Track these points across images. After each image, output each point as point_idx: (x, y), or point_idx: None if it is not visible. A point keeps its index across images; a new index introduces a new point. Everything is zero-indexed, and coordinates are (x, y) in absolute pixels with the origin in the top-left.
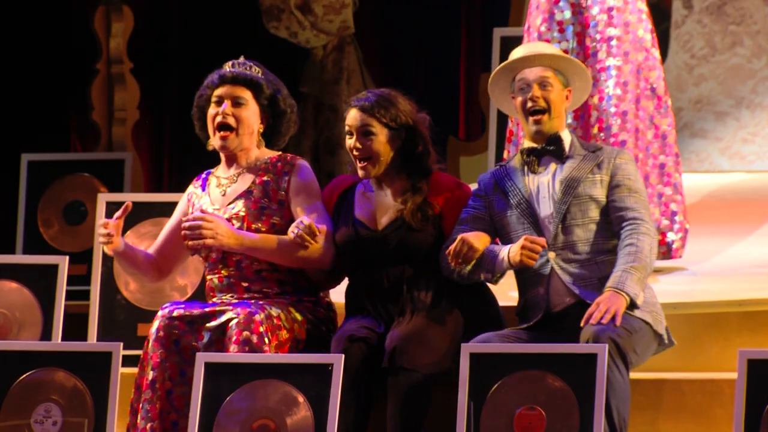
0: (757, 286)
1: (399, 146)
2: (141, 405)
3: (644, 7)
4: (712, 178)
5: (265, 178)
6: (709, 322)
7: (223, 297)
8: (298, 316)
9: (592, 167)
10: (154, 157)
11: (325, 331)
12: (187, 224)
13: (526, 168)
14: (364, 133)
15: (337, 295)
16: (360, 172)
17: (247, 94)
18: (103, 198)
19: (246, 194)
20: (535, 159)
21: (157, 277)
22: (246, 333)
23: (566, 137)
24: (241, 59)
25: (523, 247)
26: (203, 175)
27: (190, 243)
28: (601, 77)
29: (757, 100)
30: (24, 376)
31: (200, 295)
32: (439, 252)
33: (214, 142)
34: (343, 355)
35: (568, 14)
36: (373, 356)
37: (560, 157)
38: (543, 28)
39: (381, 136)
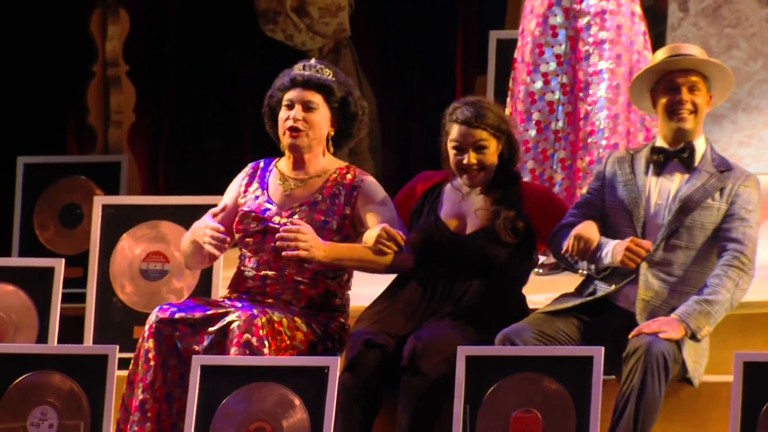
0: (754, 288)
1: (501, 151)
2: (138, 405)
3: (638, 9)
4: None
5: (333, 191)
6: None
7: (251, 291)
8: (303, 327)
9: (714, 192)
10: (150, 159)
11: (331, 347)
12: (283, 234)
13: (651, 167)
14: (476, 147)
15: (356, 298)
16: (467, 181)
17: (317, 98)
18: (99, 201)
19: (311, 204)
20: (661, 160)
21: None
22: (246, 335)
23: (700, 147)
24: (313, 61)
25: (627, 249)
26: (262, 164)
27: (283, 253)
28: (593, 81)
29: (753, 103)
30: (20, 378)
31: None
32: (550, 237)
33: (285, 141)
34: (339, 358)
35: (560, 18)
36: (387, 364)
37: (688, 166)
38: (537, 32)
39: (491, 146)
